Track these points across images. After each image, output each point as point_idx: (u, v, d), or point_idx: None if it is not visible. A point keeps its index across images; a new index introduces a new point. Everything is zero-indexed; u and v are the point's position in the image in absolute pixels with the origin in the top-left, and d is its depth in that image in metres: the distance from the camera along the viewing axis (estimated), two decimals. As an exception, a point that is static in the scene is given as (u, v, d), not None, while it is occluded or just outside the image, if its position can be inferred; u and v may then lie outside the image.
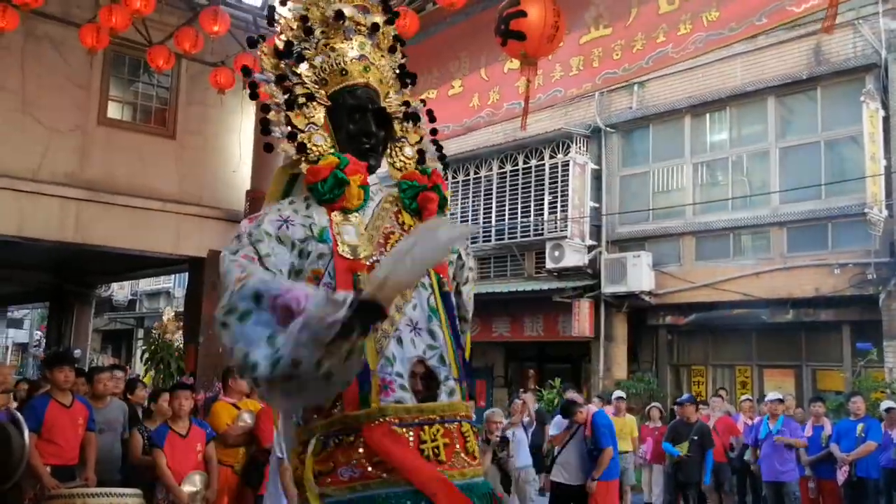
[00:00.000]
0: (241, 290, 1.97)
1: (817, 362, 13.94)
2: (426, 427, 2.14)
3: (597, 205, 16.14)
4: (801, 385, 13.83)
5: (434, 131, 2.65)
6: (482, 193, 17.34)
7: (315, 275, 2.19)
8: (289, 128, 2.38)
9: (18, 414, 6.10)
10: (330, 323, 1.76)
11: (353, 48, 2.49)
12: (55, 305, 17.74)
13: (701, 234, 14.86)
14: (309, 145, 2.37)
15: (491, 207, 17.15)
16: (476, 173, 17.63)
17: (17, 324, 31.65)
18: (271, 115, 2.40)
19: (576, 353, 17.03)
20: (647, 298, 15.04)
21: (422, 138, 2.62)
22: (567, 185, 15.94)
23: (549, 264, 15.90)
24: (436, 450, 2.12)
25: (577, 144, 16.11)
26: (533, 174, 16.61)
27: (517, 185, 16.80)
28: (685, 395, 10.23)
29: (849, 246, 12.90)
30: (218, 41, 9.71)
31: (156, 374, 12.54)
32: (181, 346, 12.64)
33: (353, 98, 2.45)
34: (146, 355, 13.66)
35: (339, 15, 2.49)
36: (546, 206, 16.20)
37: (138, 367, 18.33)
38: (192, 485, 6.22)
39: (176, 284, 26.10)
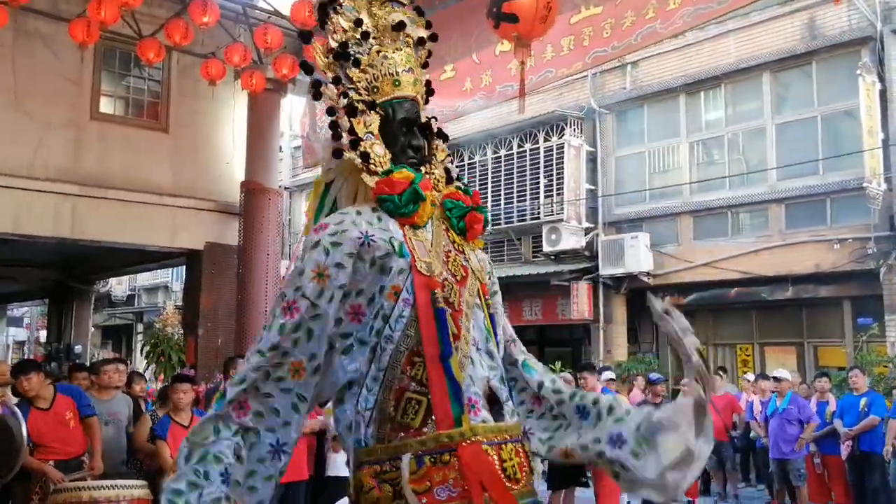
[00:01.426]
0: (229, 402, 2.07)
1: (818, 339, 13.95)
2: (503, 447, 2.14)
3: (593, 187, 16.11)
4: (802, 362, 13.84)
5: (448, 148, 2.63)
6: (477, 178, 17.29)
7: (395, 290, 2.15)
8: (351, 136, 2.33)
9: (16, 407, 6.12)
10: None
11: (403, 59, 2.45)
12: (54, 302, 17.74)
13: (699, 213, 14.84)
14: (371, 155, 2.32)
15: (486, 192, 17.10)
16: (471, 158, 17.58)
17: (16, 322, 31.64)
18: (336, 118, 2.36)
19: (576, 336, 17.05)
20: (645, 279, 15.04)
21: (447, 156, 2.57)
22: (562, 168, 15.90)
23: (546, 248, 15.89)
24: (513, 469, 2.14)
25: (571, 127, 16.06)
26: (528, 158, 16.56)
27: (512, 169, 16.76)
28: (656, 375, 10.12)
29: (848, 221, 12.88)
30: (208, 32, 9.66)
31: (157, 367, 12.54)
32: (181, 338, 12.64)
33: (404, 110, 2.41)
34: (146, 349, 13.64)
35: (400, 25, 2.45)
36: (542, 190, 16.17)
37: (139, 362, 18.34)
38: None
39: (174, 278, 26.07)
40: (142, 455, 6.76)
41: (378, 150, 2.32)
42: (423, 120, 2.46)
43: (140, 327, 28.52)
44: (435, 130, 2.53)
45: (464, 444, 2.06)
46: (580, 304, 15.47)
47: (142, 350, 15.74)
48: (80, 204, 10.66)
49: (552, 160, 16.14)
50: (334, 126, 2.34)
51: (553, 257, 16.07)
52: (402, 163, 2.34)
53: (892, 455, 9.33)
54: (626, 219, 15.72)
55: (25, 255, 13.97)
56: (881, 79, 12.51)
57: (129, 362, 19.54)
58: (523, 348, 2.54)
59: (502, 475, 2.09)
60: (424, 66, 2.57)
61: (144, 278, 27.69)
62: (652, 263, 14.99)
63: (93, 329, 26.22)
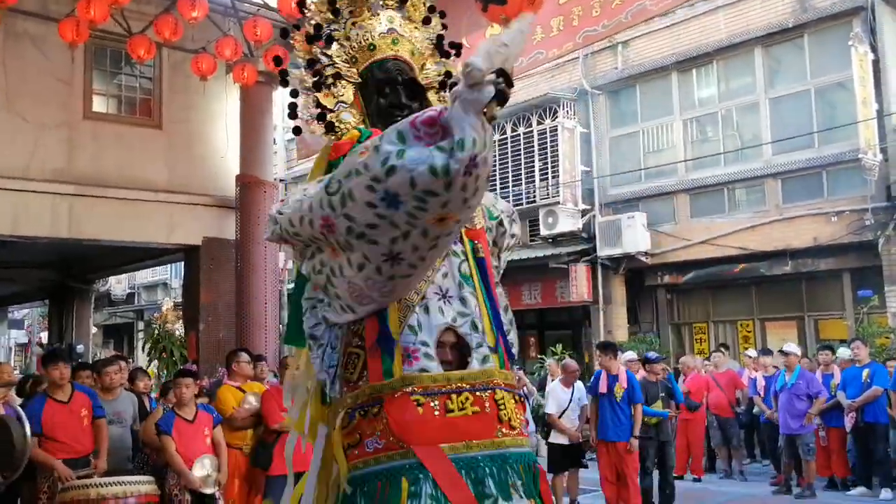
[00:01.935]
0: (377, 146, 1.84)
1: (819, 312, 13.98)
2: (454, 396, 2.10)
3: (588, 168, 16.09)
4: (803, 336, 13.87)
5: None
6: (473, 164, 17.23)
7: None
8: (318, 109, 2.40)
9: (19, 408, 6.13)
10: (483, 90, 1.74)
11: (381, 23, 2.48)
12: (54, 303, 17.75)
13: (694, 190, 14.84)
14: (337, 123, 2.37)
15: (483, 178, 17.07)
16: (466, 144, 17.53)
17: (17, 324, 31.67)
18: (300, 100, 2.44)
19: (575, 318, 17.08)
20: (643, 259, 15.06)
21: None
22: (557, 151, 15.89)
23: (543, 231, 15.89)
24: (470, 415, 2.09)
25: (564, 109, 16.03)
26: (522, 141, 16.54)
27: (507, 153, 16.73)
28: (653, 354, 10.09)
29: (845, 193, 12.88)
30: (197, 27, 9.62)
31: (159, 363, 12.56)
32: (182, 334, 12.66)
33: (382, 71, 2.44)
34: (148, 346, 13.66)
35: None
36: (537, 173, 16.16)
37: (141, 359, 18.37)
38: (203, 468, 6.27)
39: (173, 275, 26.07)
40: (149, 450, 6.79)
41: (345, 117, 2.38)
42: (416, 76, 2.47)
43: (141, 325, 28.55)
44: (437, 85, 2.54)
45: (395, 395, 2.06)
46: (579, 286, 15.49)
47: (143, 347, 15.76)
48: (76, 203, 10.65)
49: (546, 143, 16.12)
50: (292, 107, 2.43)
51: (550, 240, 16.07)
52: (386, 123, 2.29)
53: (895, 426, 9.38)
54: (622, 199, 15.72)
55: (24, 256, 13.98)
56: (873, 49, 12.49)
57: (130, 360, 19.56)
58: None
59: (429, 427, 2.05)
60: (426, 21, 2.60)
61: (143, 276, 27.69)
62: (649, 243, 15.01)
63: (94, 329, 26.29)
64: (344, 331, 2.20)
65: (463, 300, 2.22)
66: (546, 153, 16.09)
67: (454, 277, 2.22)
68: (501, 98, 1.77)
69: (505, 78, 1.78)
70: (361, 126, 2.39)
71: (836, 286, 13.51)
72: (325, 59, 2.46)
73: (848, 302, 13.23)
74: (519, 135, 16.60)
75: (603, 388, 8.36)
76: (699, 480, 11.34)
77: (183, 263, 12.99)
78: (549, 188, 15.99)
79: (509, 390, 2.22)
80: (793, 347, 10.66)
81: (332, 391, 2.26)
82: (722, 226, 14.21)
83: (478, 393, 2.13)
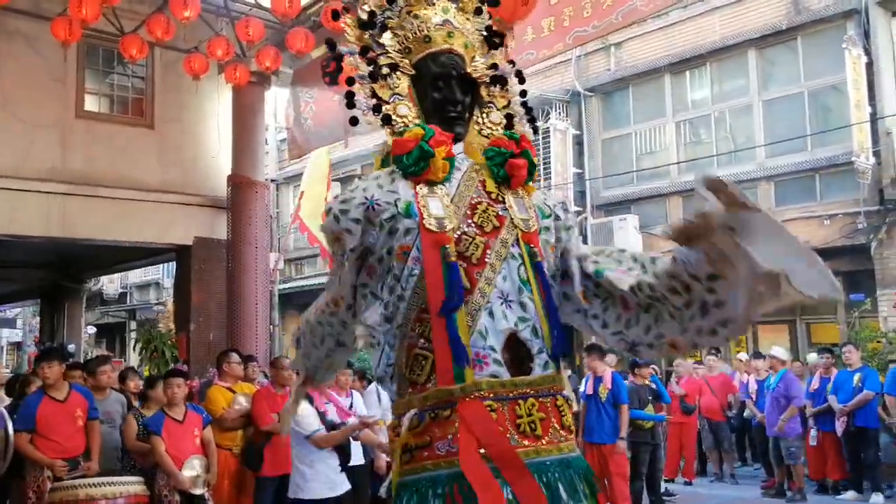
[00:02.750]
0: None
1: (811, 315, 13.99)
2: (521, 402, 2.11)
3: (580, 170, 16.10)
4: (795, 339, 13.89)
5: (524, 93, 2.55)
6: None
7: (403, 250, 2.17)
8: (374, 100, 2.34)
9: (2, 407, 6.12)
10: None
11: (436, 14, 2.42)
12: (47, 302, 17.70)
13: (687, 193, 14.83)
14: (394, 116, 2.33)
15: (476, 179, 17.09)
16: (460, 146, 17.55)
17: (9, 323, 31.57)
18: (356, 88, 2.37)
19: (569, 320, 17.06)
20: (637, 261, 15.04)
21: (509, 102, 2.53)
22: (549, 152, 15.89)
23: (537, 233, 15.87)
24: (532, 425, 2.10)
25: (556, 111, 16.04)
26: (516, 143, 16.51)
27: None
28: (636, 359, 10.05)
29: (838, 196, 12.91)
30: (190, 27, 9.60)
31: (150, 363, 12.52)
32: (173, 334, 12.63)
33: (437, 65, 2.38)
34: (139, 345, 13.63)
35: None
36: (531, 175, 16.14)
37: (133, 359, 18.31)
38: (192, 469, 6.23)
39: (165, 274, 26.00)
40: (134, 454, 6.75)
41: (402, 111, 2.33)
42: (468, 70, 2.41)
43: (133, 325, 28.48)
44: (488, 79, 2.49)
45: (466, 399, 2.06)
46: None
47: (134, 347, 15.72)
48: (69, 203, 10.62)
49: (538, 145, 16.08)
50: (350, 96, 2.36)
51: (543, 242, 16.06)
52: (439, 119, 2.33)
53: (886, 430, 9.38)
54: (614, 201, 15.73)
55: (16, 255, 13.93)
56: (867, 52, 12.51)
57: (122, 360, 19.48)
58: (596, 258, 2.34)
59: (514, 431, 2.07)
60: (477, 11, 2.54)
61: (136, 276, 27.62)
62: (641, 245, 15.00)
63: (91, 329, 26.23)
64: (404, 331, 2.18)
65: (523, 305, 2.19)
66: (538, 155, 16.04)
67: (513, 282, 2.19)
68: None
69: None
70: (418, 120, 2.34)
71: (828, 289, 13.49)
72: (377, 48, 2.41)
73: (840, 306, 13.24)
74: (512, 136, 16.58)
75: (589, 389, 8.36)
76: (690, 484, 11.35)
77: (174, 263, 12.96)
78: (541, 190, 15.96)
79: (565, 396, 2.25)
80: (778, 351, 10.67)
81: (388, 390, 2.27)
82: (714, 228, 14.19)
83: (541, 399, 2.14)
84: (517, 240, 2.24)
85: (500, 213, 2.25)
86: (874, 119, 12.36)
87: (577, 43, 8.66)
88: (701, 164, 14.76)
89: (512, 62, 2.56)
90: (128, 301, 29.45)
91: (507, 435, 2.06)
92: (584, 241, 15.32)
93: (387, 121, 2.32)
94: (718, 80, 14.82)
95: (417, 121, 2.33)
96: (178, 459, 6.18)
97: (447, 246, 2.13)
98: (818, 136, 13.27)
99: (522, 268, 2.22)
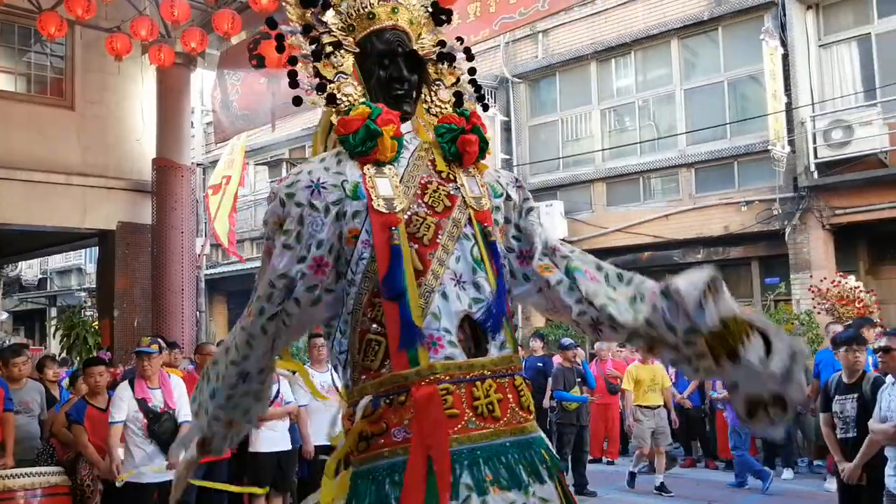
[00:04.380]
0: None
1: (729, 298, 14.41)
2: (478, 383, 2.06)
3: (507, 156, 16.23)
4: (714, 320, 14.29)
5: (472, 70, 2.48)
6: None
7: (353, 234, 2.10)
8: (317, 79, 2.25)
9: None
10: None
11: None
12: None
13: (611, 179, 15.14)
14: (339, 95, 2.24)
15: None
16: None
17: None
18: (298, 68, 2.27)
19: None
20: (562, 246, 15.26)
21: (458, 79, 2.46)
22: (479, 138, 15.94)
23: (466, 217, 15.98)
24: (489, 406, 2.05)
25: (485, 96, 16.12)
26: (445, 128, 16.56)
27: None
28: (568, 341, 10.30)
29: (755, 183, 13.31)
30: (112, 6, 9.40)
31: (70, 350, 12.22)
32: (95, 320, 12.35)
33: (382, 42, 2.29)
34: (60, 333, 13.27)
35: None
36: (460, 160, 16.21)
37: (54, 347, 17.83)
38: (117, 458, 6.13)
39: (87, 260, 25.33)
40: (60, 444, 6.62)
41: (347, 90, 2.25)
42: (414, 47, 2.33)
43: (53, 311, 27.66)
44: (435, 55, 2.41)
45: (420, 383, 2.01)
46: (499, 272, 15.63)
47: (54, 334, 15.31)
48: (-18, 185, 10.29)
49: (468, 130, 16.17)
50: (292, 75, 2.27)
51: (472, 227, 16.18)
52: (386, 97, 2.26)
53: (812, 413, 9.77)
54: (541, 187, 15.91)
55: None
56: (783, 43, 12.90)
57: (42, 348, 18.94)
58: (566, 252, 2.35)
59: (472, 413, 2.03)
60: None
61: (56, 261, 26.83)
62: (567, 230, 15.25)
63: (5, 315, 25.34)
64: (356, 316, 2.11)
65: (477, 285, 2.14)
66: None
67: (467, 262, 2.13)
68: None
69: None
70: (363, 99, 2.24)
71: (745, 273, 13.99)
72: (320, 27, 2.30)
73: (756, 289, 13.72)
74: (441, 121, 16.63)
75: None
76: (613, 463, 11.66)
77: (97, 248, 12.66)
78: (471, 175, 16.07)
79: (522, 375, 2.21)
80: None
81: (343, 378, 2.18)
82: (637, 214, 14.54)
83: (499, 380, 2.09)
84: (470, 219, 2.18)
85: (451, 192, 2.19)
86: (789, 109, 12.77)
87: (504, 30, 8.72)
88: (625, 152, 15.06)
89: (460, 39, 2.49)
90: (48, 287, 28.59)
91: (465, 418, 2.02)
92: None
93: (331, 100, 2.23)
94: (643, 68, 15.11)
95: (363, 100, 2.25)
96: (101, 449, 6.08)
97: (397, 227, 2.07)
98: (737, 124, 13.67)
99: (476, 248, 2.16)
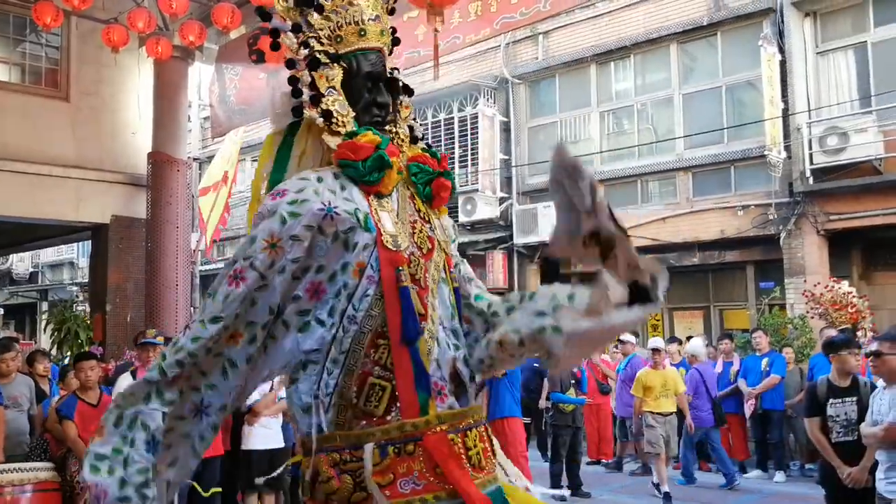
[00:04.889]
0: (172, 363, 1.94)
1: (724, 302, 14.46)
2: (469, 433, 2.03)
3: (506, 156, 16.21)
4: (709, 325, 14.33)
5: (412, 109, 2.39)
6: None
7: (359, 267, 1.97)
8: (312, 91, 2.12)
9: None
10: None
11: (369, 6, 2.21)
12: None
13: (609, 181, 15.10)
14: (333, 113, 2.11)
15: (402, 163, 17.01)
16: (386, 129, 17.45)
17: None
18: (295, 73, 2.15)
19: (492, 305, 17.23)
20: (559, 248, 15.24)
21: (410, 113, 2.35)
22: (477, 138, 15.95)
23: (461, 217, 15.95)
24: (478, 456, 2.02)
25: (485, 97, 16.10)
26: (442, 127, 16.55)
27: (427, 139, 16.67)
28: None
29: (751, 188, 13.32)
30: (109, -4, 9.30)
31: (61, 345, 12.12)
32: (88, 315, 12.26)
33: (369, 64, 2.18)
34: (51, 327, 13.17)
35: None
36: (457, 160, 16.19)
37: (44, 341, 17.72)
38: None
39: (79, 254, 25.19)
40: (52, 439, 6.54)
41: (340, 108, 2.12)
42: (389, 74, 2.23)
43: (45, 305, 27.52)
44: (400, 85, 2.29)
45: (430, 433, 1.94)
46: (495, 272, 15.64)
47: (45, 329, 15.20)
48: (-27, 177, 10.20)
49: (466, 130, 16.16)
50: (294, 81, 2.14)
51: (468, 227, 16.15)
52: (366, 122, 2.15)
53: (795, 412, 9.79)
54: (539, 188, 15.88)
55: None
56: (781, 50, 12.91)
57: (32, 342, 18.82)
58: (480, 284, 2.34)
59: (468, 464, 1.98)
60: (391, 12, 2.33)
61: (48, 255, 26.69)
62: (564, 231, 15.20)
63: (-1, 310, 25.20)
64: (354, 357, 1.98)
65: (455, 332, 2.09)
66: (466, 140, 16.13)
67: (446, 307, 2.08)
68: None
69: None
70: (353, 121, 2.13)
71: (740, 278, 13.99)
72: (307, 29, 2.18)
73: (751, 293, 13.72)
74: (440, 121, 16.60)
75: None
76: (608, 465, 11.61)
77: (90, 243, 12.58)
78: (469, 175, 16.06)
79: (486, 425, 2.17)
80: (629, 337, 11.24)
81: (315, 419, 2.00)
82: (634, 217, 14.49)
83: (478, 429, 2.08)
84: (444, 264, 2.13)
85: (429, 234, 2.12)
86: (786, 115, 12.79)
87: (504, 29, 8.68)
88: (623, 154, 15.05)
89: (396, 69, 2.33)
90: (39, 281, 28.43)
91: (467, 468, 1.98)
92: (510, 228, 15.38)
93: (327, 117, 2.11)
94: (641, 72, 15.10)
95: (353, 123, 2.13)
96: (91, 444, 6.01)
97: (402, 267, 1.99)
98: (734, 129, 13.67)
99: (450, 293, 2.12)
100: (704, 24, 13.91)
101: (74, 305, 15.21)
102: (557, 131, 15.98)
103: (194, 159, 17.87)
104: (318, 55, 2.15)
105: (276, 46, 2.23)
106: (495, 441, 2.18)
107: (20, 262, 27.38)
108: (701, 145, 14.00)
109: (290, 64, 2.16)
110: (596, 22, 15.12)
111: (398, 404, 1.95)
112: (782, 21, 13.03)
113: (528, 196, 16.00)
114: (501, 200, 16.03)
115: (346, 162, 2.06)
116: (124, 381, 6.02)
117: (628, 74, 15.26)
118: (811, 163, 12.32)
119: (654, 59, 14.85)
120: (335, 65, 2.17)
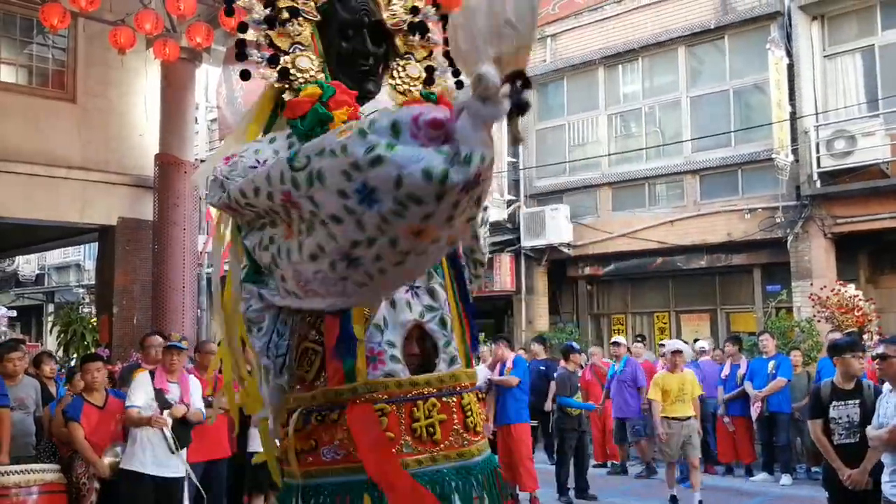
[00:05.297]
0: (363, 130, 1.49)
1: (731, 305, 14.42)
2: (419, 402, 1.91)
3: (514, 159, 16.19)
4: (716, 328, 14.29)
5: (447, 41, 2.12)
6: (399, 151, 17.16)
7: None
8: (270, 50, 2.02)
9: None
10: (497, 106, 1.50)
11: None
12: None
13: (617, 184, 15.09)
14: (292, 70, 2.01)
15: (409, 165, 17.00)
16: (392, 131, 17.44)
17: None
18: (248, 35, 2.04)
19: (498, 308, 17.20)
20: (565, 250, 15.24)
21: (431, 52, 2.22)
22: (484, 141, 15.90)
23: (469, 220, 15.93)
24: (430, 428, 1.90)
25: (492, 99, 16.07)
26: (450, 130, 16.52)
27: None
28: (571, 344, 10.30)
29: (758, 191, 13.28)
30: (116, -2, 9.30)
31: (67, 347, 12.12)
32: (93, 317, 12.27)
33: (347, 10, 2.08)
34: (57, 329, 13.19)
35: None
36: (464, 162, 16.17)
37: (50, 343, 17.73)
38: (114, 456, 6.05)
39: (86, 256, 25.22)
40: (59, 442, 6.53)
41: (302, 63, 2.02)
42: (382, 16, 2.12)
43: (51, 308, 27.55)
44: (405, 26, 2.16)
45: (356, 401, 1.85)
46: (502, 275, 15.62)
47: (50, 330, 15.22)
48: (-20, 178, 10.21)
49: (473, 133, 16.12)
50: (241, 45, 2.05)
51: (475, 230, 16.13)
52: (352, 73, 2.06)
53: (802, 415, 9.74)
54: (547, 191, 15.87)
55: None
56: (789, 53, 12.88)
57: (38, 344, 18.82)
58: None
59: (409, 437, 1.88)
60: None
61: (54, 257, 26.72)
62: (572, 235, 15.20)
63: (4, 310, 25.20)
64: (296, 319, 1.93)
65: (432, 292, 1.98)
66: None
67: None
68: (522, 109, 1.55)
69: (523, 81, 1.53)
70: (321, 77, 2.02)
71: (747, 281, 13.95)
72: None
73: (758, 296, 13.68)
74: (446, 123, 16.57)
75: (496, 376, 8.53)
76: (614, 466, 11.57)
77: (96, 245, 12.58)
78: (475, 178, 16.02)
79: (473, 390, 2.06)
80: (620, 339, 11.34)
81: (278, 379, 1.97)
82: (642, 220, 14.49)
83: (444, 399, 1.95)
84: None
85: None
86: (793, 118, 12.75)
87: (513, 31, 8.65)
88: (631, 157, 15.01)
89: (437, 4, 2.21)
90: (45, 283, 28.47)
91: (400, 441, 1.87)
92: (517, 230, 15.32)
93: (284, 75, 2.00)
94: (649, 75, 15.06)
95: (320, 76, 2.02)
96: (98, 446, 6.00)
97: None
98: (741, 132, 13.63)
99: None
100: (712, 27, 13.87)
101: (81, 308, 15.21)
102: (565, 134, 15.96)
103: (201, 161, 17.85)
104: (282, 12, 2.05)
105: (230, 12, 2.13)
106: (477, 412, 2.03)
107: (26, 264, 27.42)
108: (708, 148, 13.96)
109: (242, 28, 2.06)
110: (604, 25, 15.09)
111: (325, 370, 1.89)
112: (790, 24, 13.00)
113: (536, 199, 15.98)
114: (509, 203, 16.00)
115: (289, 121, 1.99)
116: (144, 379, 6.04)
117: (636, 77, 15.23)
118: (818, 166, 12.29)
119: (662, 62, 14.82)
120: (300, 20, 2.06)
